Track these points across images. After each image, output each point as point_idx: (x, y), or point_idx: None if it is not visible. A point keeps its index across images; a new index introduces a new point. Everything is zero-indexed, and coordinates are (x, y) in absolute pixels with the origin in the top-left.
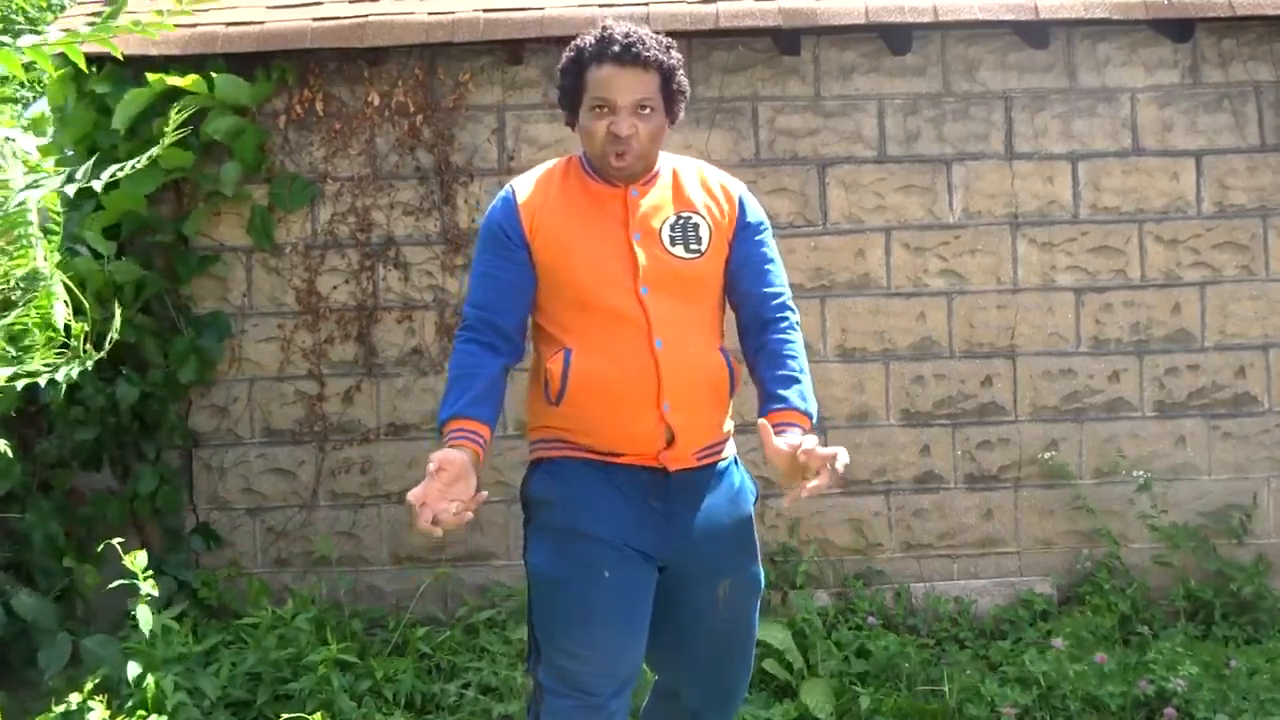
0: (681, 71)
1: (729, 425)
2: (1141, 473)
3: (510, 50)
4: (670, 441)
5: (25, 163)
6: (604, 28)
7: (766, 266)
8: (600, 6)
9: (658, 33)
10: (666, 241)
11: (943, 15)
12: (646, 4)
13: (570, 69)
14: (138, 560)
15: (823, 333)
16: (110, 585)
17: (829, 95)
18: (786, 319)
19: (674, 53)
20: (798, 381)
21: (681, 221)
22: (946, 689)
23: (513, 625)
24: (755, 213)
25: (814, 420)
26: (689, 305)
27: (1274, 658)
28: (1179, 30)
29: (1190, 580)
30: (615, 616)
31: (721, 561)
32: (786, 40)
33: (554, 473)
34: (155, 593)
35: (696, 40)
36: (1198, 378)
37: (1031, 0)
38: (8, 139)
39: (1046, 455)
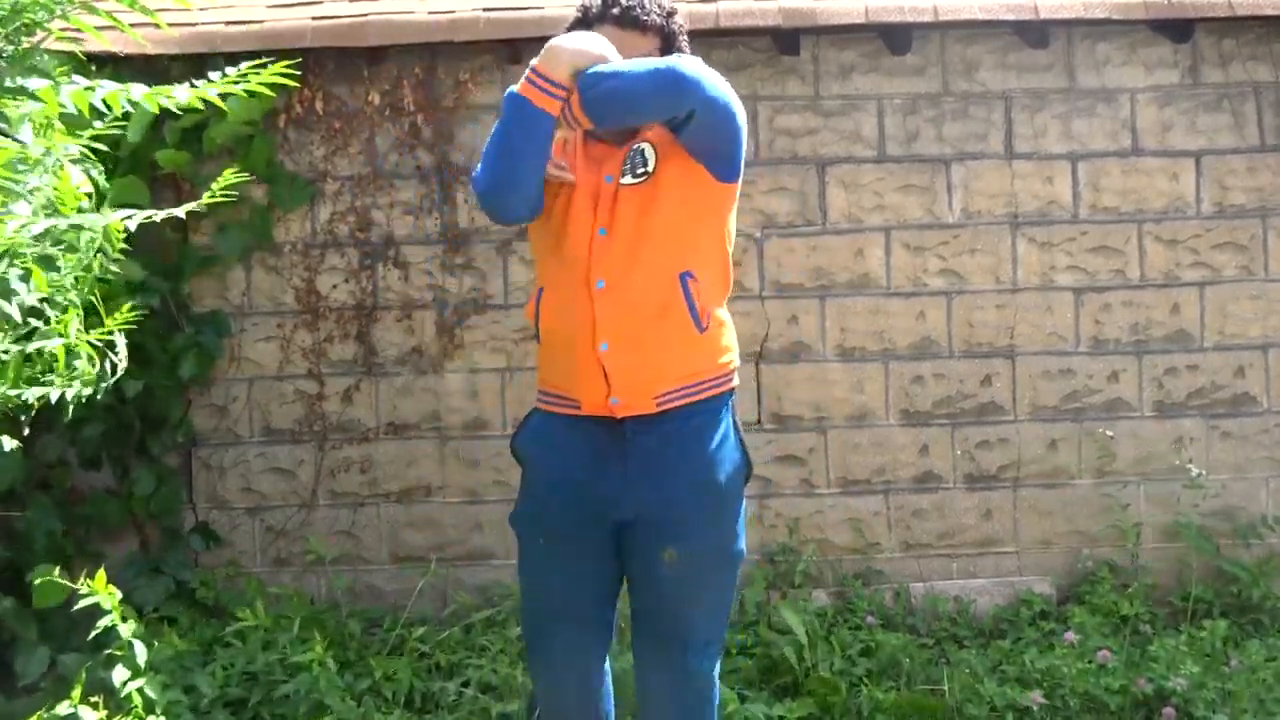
0: (684, 39)
1: (725, 359)
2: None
3: (510, 50)
4: (611, 386)
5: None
6: None
7: None
8: None
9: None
10: (622, 175)
11: (943, 15)
12: None
13: (575, 27)
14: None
15: (822, 332)
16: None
17: (828, 95)
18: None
19: (676, 19)
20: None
21: (633, 153)
22: (947, 688)
23: (512, 624)
24: None
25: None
26: (645, 237)
27: (1274, 657)
28: (1179, 30)
29: (1193, 580)
30: (563, 611)
31: (672, 529)
32: (786, 40)
33: (532, 428)
34: (121, 617)
35: (696, 40)
36: (1197, 378)
37: (1031, 0)
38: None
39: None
